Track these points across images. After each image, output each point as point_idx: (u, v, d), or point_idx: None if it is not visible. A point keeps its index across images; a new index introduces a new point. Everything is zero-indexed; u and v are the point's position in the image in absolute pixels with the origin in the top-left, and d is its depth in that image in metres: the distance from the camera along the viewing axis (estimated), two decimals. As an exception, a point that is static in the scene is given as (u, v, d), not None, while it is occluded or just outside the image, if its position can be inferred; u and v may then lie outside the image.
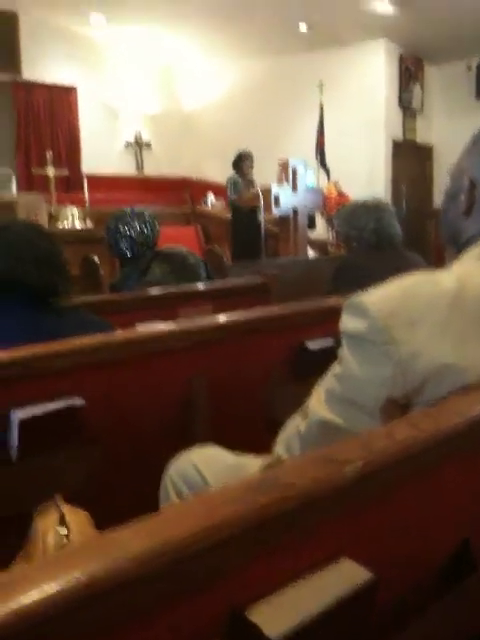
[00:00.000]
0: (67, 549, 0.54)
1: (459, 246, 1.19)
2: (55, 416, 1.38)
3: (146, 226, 2.90)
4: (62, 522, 0.81)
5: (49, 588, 0.49)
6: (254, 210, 6.47)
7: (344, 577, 0.66)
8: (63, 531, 0.80)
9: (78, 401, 1.41)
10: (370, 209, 2.76)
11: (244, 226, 6.70)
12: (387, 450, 0.68)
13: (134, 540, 0.54)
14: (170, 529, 0.55)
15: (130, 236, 2.87)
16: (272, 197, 6.16)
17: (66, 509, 0.88)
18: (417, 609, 0.78)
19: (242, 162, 7.02)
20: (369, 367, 1.03)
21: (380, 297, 1.04)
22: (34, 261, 1.61)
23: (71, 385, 1.47)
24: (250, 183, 6.93)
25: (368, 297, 1.05)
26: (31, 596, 0.49)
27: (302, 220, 6.49)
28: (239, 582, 0.61)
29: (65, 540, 0.81)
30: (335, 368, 1.12)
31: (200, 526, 0.55)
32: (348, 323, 1.08)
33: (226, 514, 0.56)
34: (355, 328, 1.05)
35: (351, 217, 2.78)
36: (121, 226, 2.88)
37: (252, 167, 7.08)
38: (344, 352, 1.09)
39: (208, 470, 1.37)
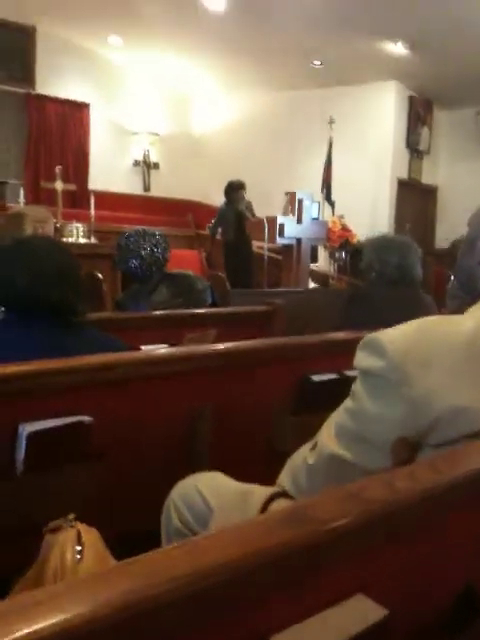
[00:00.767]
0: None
1: (475, 292, 1.21)
2: (63, 432, 1.39)
3: (157, 247, 2.93)
4: (79, 540, 0.81)
5: (72, 610, 0.49)
6: (242, 240, 6.55)
7: (359, 613, 0.67)
8: (79, 548, 0.81)
9: (86, 418, 1.42)
10: (400, 245, 2.78)
11: (232, 255, 6.76)
12: (410, 491, 0.69)
13: (164, 567, 0.55)
14: (202, 558, 0.56)
15: (141, 255, 2.89)
16: (277, 226, 6.23)
17: (81, 527, 0.88)
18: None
19: (232, 192, 6.99)
20: (382, 405, 1.04)
21: (397, 336, 1.06)
22: (56, 277, 1.61)
23: (79, 402, 1.48)
24: (242, 214, 6.90)
25: (385, 336, 1.07)
26: (57, 618, 0.49)
27: (305, 251, 6.56)
28: (261, 613, 0.61)
29: (79, 556, 0.81)
30: (347, 403, 1.13)
31: (232, 556, 0.56)
32: (364, 360, 1.09)
33: (258, 545, 0.57)
34: (370, 365, 1.06)
35: (379, 248, 2.80)
36: (133, 244, 2.90)
37: (244, 198, 7.00)
38: (358, 388, 1.10)
39: (212, 496, 1.37)
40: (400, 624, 0.75)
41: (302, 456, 1.25)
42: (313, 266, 7.55)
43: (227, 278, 6.73)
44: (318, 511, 0.63)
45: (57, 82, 8.70)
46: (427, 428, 1.00)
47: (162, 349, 1.81)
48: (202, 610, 0.56)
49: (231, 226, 6.88)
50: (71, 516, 0.88)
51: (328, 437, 1.15)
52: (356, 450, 1.08)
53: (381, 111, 8.66)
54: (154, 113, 9.77)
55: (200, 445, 1.74)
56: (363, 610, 0.68)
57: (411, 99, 8.84)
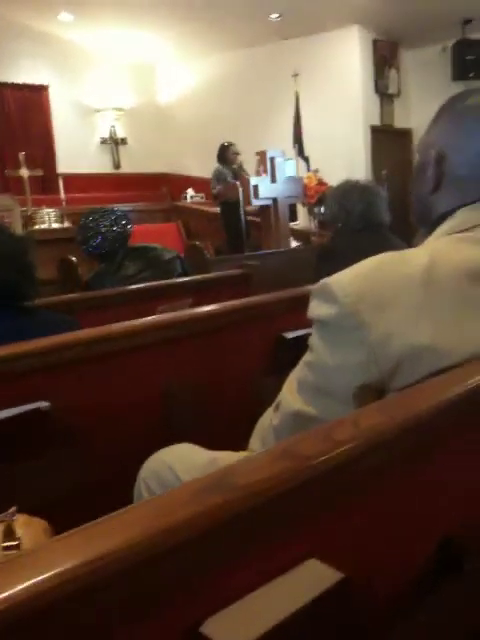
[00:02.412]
0: (9, 561, 0.48)
1: (430, 224, 1.14)
2: (21, 421, 1.32)
3: (117, 223, 2.87)
4: (10, 535, 0.75)
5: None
6: (233, 203, 6.42)
7: (311, 580, 0.61)
8: (13, 543, 0.75)
9: (43, 404, 1.35)
10: (362, 192, 2.70)
11: (232, 219, 6.65)
12: (353, 440, 0.62)
13: (76, 549, 0.49)
14: (110, 539, 0.49)
15: (101, 232, 2.83)
16: (251, 188, 6.11)
17: (20, 520, 0.82)
18: (400, 612, 0.73)
19: (225, 152, 6.97)
20: (340, 353, 0.98)
21: (348, 280, 0.99)
22: (2, 261, 1.55)
23: (38, 388, 1.41)
24: (238, 172, 6.87)
25: (336, 281, 1.00)
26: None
27: (283, 210, 6.44)
28: (195, 593, 0.55)
29: (13, 552, 0.75)
30: (306, 356, 1.07)
31: (149, 532, 0.50)
32: (316, 309, 1.03)
33: (177, 518, 0.51)
34: (323, 314, 1.00)
35: (342, 197, 2.72)
36: (91, 223, 2.85)
37: (238, 154, 7.01)
38: (314, 339, 1.04)
39: (183, 469, 1.31)
40: (365, 587, 0.69)
41: (268, 417, 1.19)
42: (293, 225, 7.45)
43: (228, 241, 6.66)
44: (245, 474, 0.56)
45: (12, 67, 8.47)
46: (389, 372, 0.93)
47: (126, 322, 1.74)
48: (123, 597, 0.50)
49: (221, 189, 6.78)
50: (12, 509, 0.82)
51: (290, 394, 1.09)
52: (319, 404, 1.02)
53: (346, 58, 8.47)
54: (116, 88, 9.57)
55: (175, 417, 1.67)
56: (317, 576, 0.62)
57: (375, 42, 8.64)
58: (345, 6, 7.60)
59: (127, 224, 2.92)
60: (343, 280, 1.00)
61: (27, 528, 0.81)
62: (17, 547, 0.74)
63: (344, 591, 0.62)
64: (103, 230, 2.84)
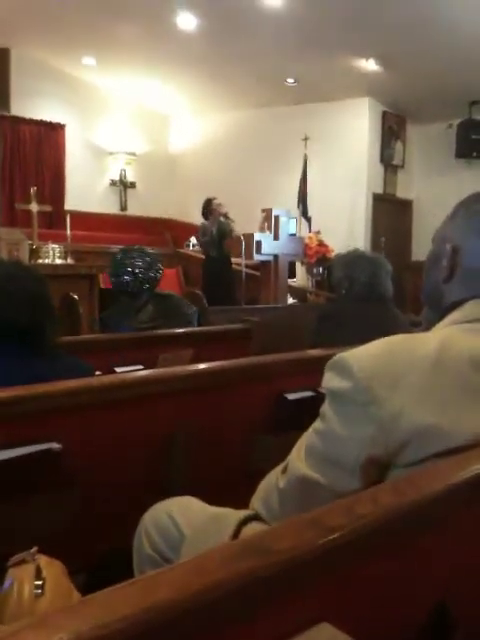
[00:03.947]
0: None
1: (441, 309, 1.21)
2: (31, 460, 1.36)
3: (151, 266, 2.93)
4: (38, 574, 0.79)
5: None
6: (223, 255, 6.55)
7: (324, 642, 0.66)
8: (39, 582, 0.79)
9: (55, 445, 1.39)
10: (369, 262, 2.79)
11: (214, 272, 6.75)
12: (371, 516, 0.68)
13: (121, 603, 0.53)
14: (158, 592, 0.54)
15: (134, 272, 2.89)
16: (254, 243, 6.25)
17: (42, 560, 0.86)
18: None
19: (208, 206, 7.06)
20: (351, 426, 1.03)
21: (364, 356, 1.06)
22: (26, 302, 1.60)
23: (49, 429, 1.45)
24: (223, 224, 6.94)
25: (351, 357, 1.06)
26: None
27: (283, 267, 6.58)
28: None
29: (39, 591, 0.79)
30: (316, 424, 1.12)
31: (190, 590, 0.55)
32: (331, 381, 1.09)
33: (213, 578, 0.56)
34: (338, 387, 1.06)
35: (348, 265, 2.81)
36: (128, 260, 2.90)
37: (220, 205, 7.07)
38: (326, 409, 1.09)
39: (184, 522, 1.35)
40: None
41: (273, 478, 1.23)
42: (291, 282, 7.58)
43: (206, 294, 6.73)
44: (277, 540, 0.62)
45: (32, 104, 8.68)
46: (397, 448, 0.99)
47: (134, 372, 1.79)
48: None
49: (213, 241, 6.89)
50: (34, 549, 0.86)
51: (298, 459, 1.14)
52: (326, 472, 1.07)
53: (355, 127, 8.75)
54: (130, 133, 9.79)
55: (175, 469, 1.72)
56: (328, 639, 0.67)
57: (384, 114, 8.95)
58: (359, 78, 7.91)
59: (159, 270, 2.98)
60: (359, 356, 1.06)
61: (49, 568, 0.85)
62: (42, 586, 0.78)
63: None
64: (137, 271, 2.89)
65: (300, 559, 0.61)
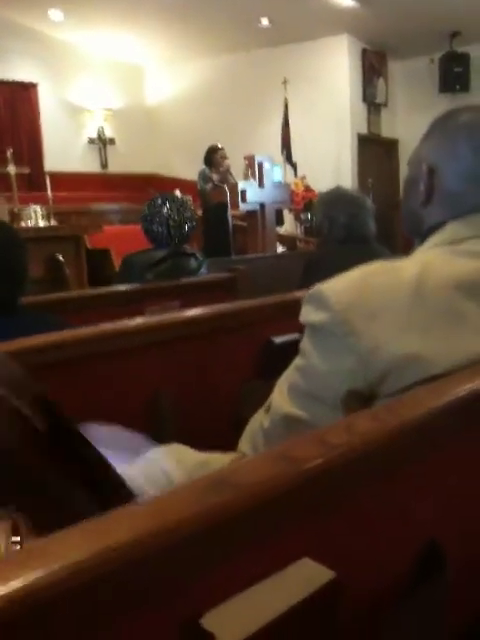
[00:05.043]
0: (16, 552, 0.50)
1: (421, 235, 1.17)
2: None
3: (187, 222, 2.86)
4: (15, 530, 0.77)
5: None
6: (221, 206, 6.41)
7: (305, 578, 0.63)
8: (16, 538, 0.76)
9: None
10: (348, 203, 2.72)
11: (213, 223, 6.63)
12: (347, 445, 0.65)
13: (73, 547, 0.50)
14: (113, 534, 0.51)
15: (167, 223, 2.83)
16: (239, 192, 6.14)
17: (21, 518, 0.83)
18: (387, 611, 0.75)
19: (212, 155, 6.94)
20: (331, 359, 1.01)
21: (340, 288, 1.02)
22: (4, 273, 1.57)
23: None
24: (224, 176, 6.84)
25: (329, 288, 1.03)
26: None
27: (270, 215, 6.48)
28: (193, 589, 0.57)
29: (18, 548, 0.77)
30: (297, 360, 1.10)
31: (147, 531, 0.52)
32: (309, 315, 1.06)
33: (174, 518, 0.53)
34: (316, 320, 1.03)
35: (328, 206, 2.74)
36: (165, 209, 2.83)
37: (225, 158, 6.97)
38: (305, 344, 1.07)
39: (173, 469, 1.33)
40: (353, 586, 0.71)
41: (258, 419, 1.21)
42: (280, 230, 7.49)
43: (206, 247, 6.65)
44: (244, 475, 0.58)
45: (2, 65, 8.43)
46: (377, 379, 0.97)
47: (113, 324, 1.75)
48: (121, 594, 0.52)
49: (210, 192, 6.75)
50: (12, 506, 0.83)
51: (280, 397, 1.12)
52: (309, 408, 1.05)
53: (335, 66, 8.55)
54: (106, 88, 9.56)
55: (162, 420, 1.69)
56: (309, 574, 0.65)
57: (364, 52, 8.74)
58: (335, 15, 7.67)
59: (192, 227, 2.93)
60: (336, 287, 1.03)
61: (27, 524, 0.82)
62: (20, 542, 0.76)
63: (335, 589, 0.64)
64: (171, 222, 2.83)
65: (269, 494, 0.58)
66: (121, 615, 0.53)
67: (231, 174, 6.94)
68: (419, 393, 0.80)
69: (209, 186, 6.74)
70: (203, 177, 6.97)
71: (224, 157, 6.97)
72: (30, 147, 8.68)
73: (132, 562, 0.51)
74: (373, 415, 0.72)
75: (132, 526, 0.52)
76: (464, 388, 0.78)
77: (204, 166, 7.06)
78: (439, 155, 1.13)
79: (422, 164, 1.15)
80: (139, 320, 1.74)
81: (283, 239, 7.53)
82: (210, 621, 0.56)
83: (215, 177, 6.84)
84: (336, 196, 2.79)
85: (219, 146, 7.02)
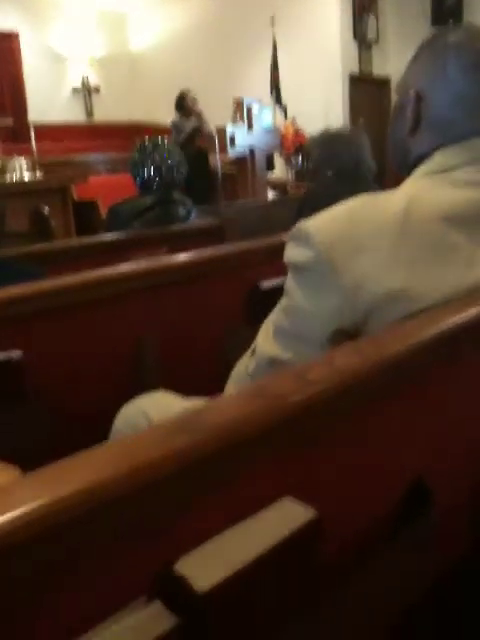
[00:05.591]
0: None
1: (409, 168, 1.12)
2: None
3: (178, 168, 2.76)
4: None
5: None
6: (201, 154, 6.27)
7: (285, 518, 0.61)
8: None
9: (16, 353, 1.33)
10: (350, 138, 2.65)
11: (194, 173, 6.48)
12: (326, 380, 0.61)
13: (42, 488, 0.48)
14: (83, 475, 0.48)
15: (159, 168, 2.71)
16: (227, 137, 5.99)
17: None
18: (371, 551, 0.73)
19: (182, 101, 6.74)
20: (315, 298, 0.97)
21: (324, 224, 0.98)
22: None
23: (7, 338, 1.38)
24: (198, 121, 6.65)
25: (312, 225, 0.98)
26: None
27: (259, 160, 6.35)
28: (168, 534, 0.55)
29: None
30: (282, 301, 1.06)
31: (116, 472, 0.49)
32: (292, 253, 1.01)
33: (144, 459, 0.50)
34: (299, 258, 0.99)
35: (329, 144, 2.66)
36: (156, 154, 2.72)
37: (195, 100, 6.76)
38: (289, 283, 1.03)
39: (159, 416, 1.31)
40: (337, 525, 0.69)
41: (244, 363, 1.19)
42: (270, 175, 7.35)
43: (187, 195, 6.50)
44: (217, 414, 0.55)
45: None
46: (363, 316, 0.93)
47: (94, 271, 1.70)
48: (92, 537, 0.49)
49: (189, 139, 6.59)
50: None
51: (265, 340, 1.08)
52: (295, 349, 1.02)
53: (324, 3, 8.25)
54: (89, 35, 9.25)
55: (148, 367, 1.66)
56: (290, 514, 0.62)
57: (353, -14, 8.42)
58: None
59: (183, 174, 2.81)
60: (319, 224, 0.98)
61: (3, 475, 0.80)
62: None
63: (317, 528, 0.62)
64: (163, 168, 2.72)
65: (242, 433, 0.55)
66: (88, 562, 0.50)
67: (205, 120, 6.73)
68: (403, 326, 0.76)
69: (183, 136, 6.57)
70: (175, 128, 6.78)
71: (194, 99, 6.75)
72: (13, 98, 8.44)
73: (97, 507, 0.48)
74: (355, 349, 0.69)
75: (97, 469, 0.49)
76: (449, 321, 0.75)
77: (175, 113, 6.86)
78: (427, 79, 1.07)
79: (409, 90, 1.09)
80: (119, 268, 1.69)
81: (274, 184, 7.39)
82: (184, 566, 0.54)
83: (188, 125, 6.65)
84: (335, 135, 2.70)
85: (187, 90, 6.80)
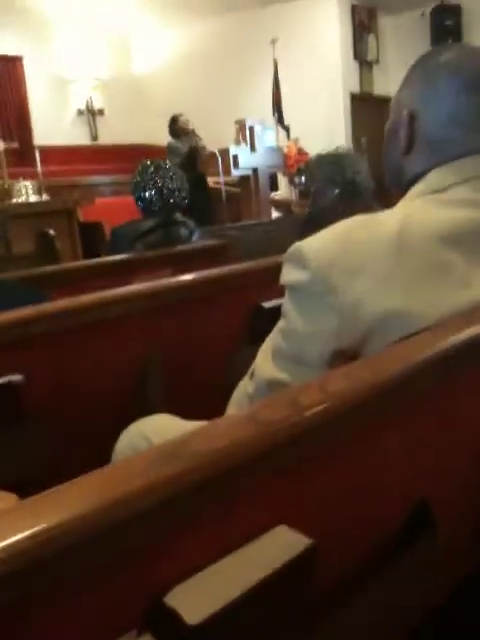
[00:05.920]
0: None
1: (403, 187, 1.12)
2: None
3: (180, 191, 2.77)
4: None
5: None
6: (198, 177, 6.31)
7: (279, 547, 0.60)
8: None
9: (16, 377, 1.32)
10: (351, 159, 2.67)
11: (192, 194, 6.53)
12: (319, 405, 0.61)
13: (26, 520, 0.47)
14: (68, 506, 0.48)
15: (161, 190, 2.72)
16: (231, 158, 6.03)
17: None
18: (371, 578, 0.72)
19: (174, 125, 6.80)
20: (312, 320, 0.96)
21: (319, 245, 0.97)
22: None
23: (8, 362, 1.38)
24: (192, 140, 6.70)
25: (307, 246, 0.98)
26: None
27: (263, 180, 6.39)
28: (157, 563, 0.54)
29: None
30: (280, 324, 1.06)
31: (101, 502, 0.48)
32: (288, 275, 1.01)
33: (132, 488, 0.49)
34: (296, 279, 0.99)
35: (330, 165, 2.67)
36: (158, 176, 2.73)
37: (188, 122, 6.80)
38: (287, 306, 1.03)
39: (160, 440, 1.30)
40: (336, 551, 0.68)
41: (244, 386, 1.18)
42: (274, 195, 7.39)
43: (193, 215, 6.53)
44: (203, 442, 0.55)
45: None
46: (361, 337, 0.92)
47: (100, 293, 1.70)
48: (78, 569, 0.48)
49: (184, 162, 6.64)
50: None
51: (264, 362, 1.08)
52: (293, 372, 1.01)
53: (324, 24, 8.33)
54: (92, 58, 9.34)
55: (151, 390, 1.66)
56: (285, 543, 0.61)
57: (354, 7, 8.51)
58: (323, -30, 7.46)
59: (185, 198, 2.82)
60: (314, 244, 0.98)
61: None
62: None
63: (314, 556, 0.61)
64: (165, 190, 2.73)
65: (232, 460, 0.54)
66: (76, 595, 0.49)
67: (197, 136, 6.77)
68: (396, 348, 0.75)
69: (182, 159, 6.62)
70: (171, 150, 6.84)
71: (186, 121, 6.81)
72: (18, 121, 8.52)
73: (84, 538, 0.47)
74: (346, 373, 0.68)
75: (82, 500, 0.48)
76: (445, 342, 0.74)
77: (170, 139, 6.92)
78: (419, 99, 1.07)
79: (402, 110, 1.09)
80: (119, 290, 1.69)
81: (278, 204, 7.40)
82: (175, 598, 0.53)
83: (183, 147, 6.69)
84: (335, 156, 2.71)
85: (179, 114, 6.86)
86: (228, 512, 0.58)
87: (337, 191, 2.64)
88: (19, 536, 0.45)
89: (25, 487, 0.99)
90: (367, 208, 2.64)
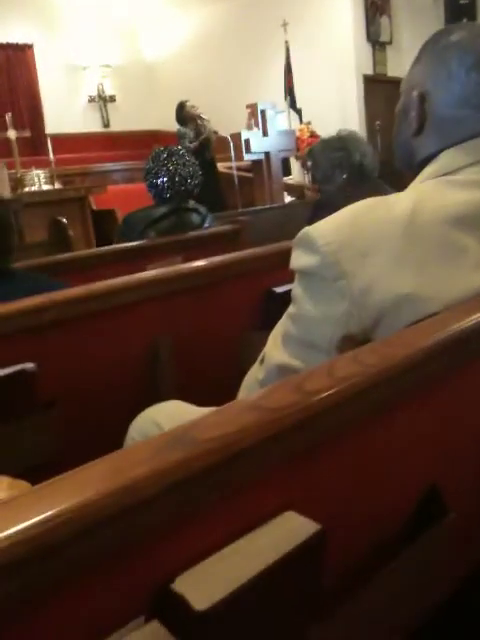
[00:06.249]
0: None
1: (414, 168, 1.10)
2: (5, 383, 1.30)
3: (192, 178, 2.77)
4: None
5: None
6: (207, 163, 6.29)
7: (287, 532, 0.60)
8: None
9: (29, 365, 1.33)
10: (355, 141, 2.65)
11: (209, 177, 6.52)
12: (326, 390, 0.60)
13: (31, 508, 0.47)
14: (73, 494, 0.48)
15: (173, 176, 2.71)
16: (243, 142, 5.99)
17: (5, 483, 0.81)
18: (381, 563, 0.72)
19: (181, 112, 6.79)
20: (322, 304, 0.96)
21: (329, 229, 0.96)
22: None
23: (22, 349, 1.39)
24: (200, 125, 6.68)
25: (317, 230, 0.97)
26: None
27: (275, 165, 6.34)
28: (164, 549, 0.54)
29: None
30: (290, 308, 1.05)
31: (107, 489, 0.48)
32: (298, 259, 1.00)
33: (136, 475, 0.49)
34: (305, 264, 0.98)
35: (337, 149, 2.65)
36: (170, 162, 2.72)
37: (194, 108, 6.79)
38: (297, 290, 1.02)
39: (172, 426, 1.30)
40: (346, 537, 0.68)
41: (254, 371, 1.18)
42: (287, 179, 7.34)
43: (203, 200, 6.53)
44: (208, 428, 0.54)
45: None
46: (372, 321, 0.91)
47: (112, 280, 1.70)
48: (87, 556, 0.48)
49: (193, 147, 6.62)
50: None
51: (274, 347, 1.07)
52: (303, 356, 1.01)
53: (336, 5, 8.22)
54: (103, 43, 9.31)
55: (163, 375, 1.66)
56: (293, 528, 0.61)
57: (366, -12, 8.39)
58: None
59: (197, 185, 2.82)
60: (324, 228, 0.97)
61: (10, 491, 0.80)
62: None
63: (322, 542, 0.61)
64: (177, 177, 2.72)
65: (237, 446, 0.54)
66: (84, 582, 0.50)
67: (206, 120, 6.75)
68: (404, 333, 0.74)
69: (189, 144, 6.61)
70: (180, 136, 6.83)
71: (193, 107, 6.79)
72: (30, 110, 8.53)
73: (89, 525, 0.47)
74: (353, 358, 0.67)
75: (87, 487, 0.48)
76: (453, 326, 0.73)
77: (178, 126, 6.91)
78: (430, 79, 1.05)
79: (412, 91, 1.07)
80: (132, 277, 1.69)
81: (291, 189, 7.37)
82: (182, 584, 0.53)
83: (191, 133, 6.68)
84: (340, 140, 2.69)
85: (185, 100, 6.85)
86: (235, 498, 0.58)
87: (345, 176, 2.63)
88: (27, 523, 0.45)
89: (38, 474, 1.00)
90: (376, 190, 2.63)
